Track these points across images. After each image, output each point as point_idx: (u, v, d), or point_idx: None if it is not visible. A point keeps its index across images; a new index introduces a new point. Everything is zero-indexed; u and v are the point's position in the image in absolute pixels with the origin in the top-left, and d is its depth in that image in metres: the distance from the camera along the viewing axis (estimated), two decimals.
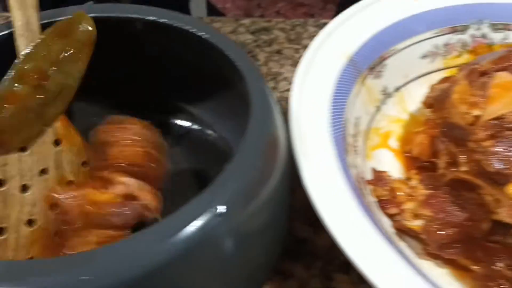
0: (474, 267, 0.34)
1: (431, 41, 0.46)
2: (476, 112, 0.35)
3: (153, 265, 0.22)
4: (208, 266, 0.25)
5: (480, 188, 0.34)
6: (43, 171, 0.32)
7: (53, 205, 0.32)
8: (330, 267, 0.38)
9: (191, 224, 0.23)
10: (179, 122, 0.44)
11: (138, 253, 0.22)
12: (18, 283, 0.21)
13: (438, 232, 0.34)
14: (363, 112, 0.41)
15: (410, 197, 0.37)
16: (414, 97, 0.46)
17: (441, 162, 0.39)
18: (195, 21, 0.36)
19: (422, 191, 0.36)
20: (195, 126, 0.44)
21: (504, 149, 0.32)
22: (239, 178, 0.26)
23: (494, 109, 0.34)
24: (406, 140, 0.44)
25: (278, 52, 0.56)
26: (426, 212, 0.35)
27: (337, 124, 0.36)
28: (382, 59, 0.43)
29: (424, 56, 0.46)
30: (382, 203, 0.37)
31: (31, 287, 0.21)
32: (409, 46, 0.44)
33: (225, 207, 0.24)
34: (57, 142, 0.33)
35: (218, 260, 0.26)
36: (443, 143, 0.39)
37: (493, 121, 0.34)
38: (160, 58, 0.40)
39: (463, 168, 0.36)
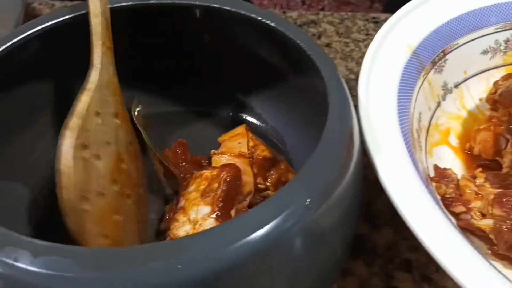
0: None
1: (492, 36, 0.44)
2: None
3: (239, 256, 0.22)
4: (289, 259, 0.24)
5: None
6: (107, 144, 0.31)
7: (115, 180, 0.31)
8: (391, 265, 0.37)
9: (278, 217, 0.22)
10: (232, 111, 0.43)
11: (223, 244, 0.21)
12: (111, 271, 0.20)
13: (510, 232, 0.33)
14: (425, 107, 0.40)
15: (477, 196, 0.35)
16: (472, 93, 0.45)
17: (506, 160, 0.38)
18: (261, 9, 0.35)
19: (492, 190, 0.35)
20: (248, 117, 0.43)
21: None
22: (322, 173, 0.25)
23: None
24: (465, 137, 0.42)
25: (328, 45, 0.55)
26: (497, 211, 0.34)
27: (403, 119, 0.35)
28: (444, 54, 0.42)
29: (485, 52, 0.45)
30: (447, 201, 0.36)
31: (126, 275, 0.20)
32: (470, 41, 0.43)
33: (309, 199, 0.23)
34: (116, 116, 0.32)
35: (298, 254, 0.25)
36: (509, 141, 0.37)
37: None
38: (216, 46, 0.40)
39: None
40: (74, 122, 0.28)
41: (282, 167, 0.37)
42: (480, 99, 0.45)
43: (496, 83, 0.41)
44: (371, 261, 0.37)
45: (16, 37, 0.32)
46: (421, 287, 0.36)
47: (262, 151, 0.37)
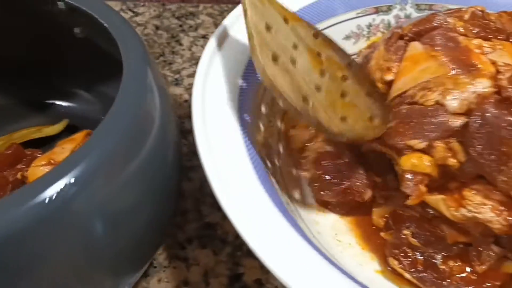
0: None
1: (353, 21, 0.44)
2: (389, 77, 0.33)
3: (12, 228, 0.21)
4: (68, 235, 0.23)
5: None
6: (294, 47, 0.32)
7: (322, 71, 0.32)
8: (239, 253, 0.36)
9: (45, 193, 0.22)
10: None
11: None
12: None
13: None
14: None
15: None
16: None
17: None
18: None
19: (321, 144, 0.35)
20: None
21: (397, 123, 0.32)
22: (98, 152, 0.24)
23: (400, 85, 0.33)
24: None
25: (204, 37, 0.54)
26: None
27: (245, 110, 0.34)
28: None
29: (347, 37, 0.44)
30: None
31: None
32: (330, 26, 0.43)
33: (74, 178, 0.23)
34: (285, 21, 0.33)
35: (78, 230, 0.24)
36: None
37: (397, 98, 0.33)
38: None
39: None
40: (255, 40, 0.29)
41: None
42: None
43: (360, 51, 0.42)
44: (219, 250, 0.36)
45: None
46: (268, 272, 0.35)
47: None
